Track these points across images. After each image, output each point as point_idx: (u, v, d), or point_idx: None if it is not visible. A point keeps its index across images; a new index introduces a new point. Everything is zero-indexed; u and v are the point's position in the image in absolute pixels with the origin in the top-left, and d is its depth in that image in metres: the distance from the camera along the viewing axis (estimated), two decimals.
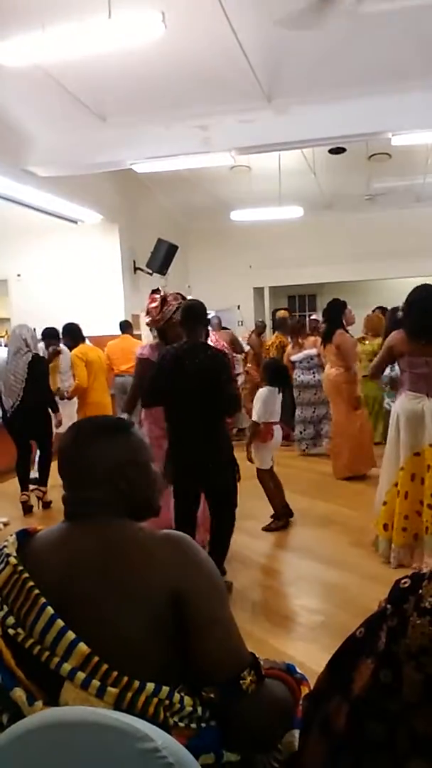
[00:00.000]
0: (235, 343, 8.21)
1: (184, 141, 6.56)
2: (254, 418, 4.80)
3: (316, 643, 3.26)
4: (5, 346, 8.03)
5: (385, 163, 8.85)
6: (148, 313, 4.34)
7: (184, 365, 3.58)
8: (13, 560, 1.33)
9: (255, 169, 9.02)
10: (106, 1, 4.10)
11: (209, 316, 4.33)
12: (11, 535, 1.42)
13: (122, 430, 1.48)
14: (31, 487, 5.91)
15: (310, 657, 2.80)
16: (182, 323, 3.74)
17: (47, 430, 5.87)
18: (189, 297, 4.58)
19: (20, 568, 1.31)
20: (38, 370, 5.69)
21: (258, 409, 4.77)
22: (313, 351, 7.52)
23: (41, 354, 6.10)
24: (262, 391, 4.84)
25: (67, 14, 4.31)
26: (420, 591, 1.10)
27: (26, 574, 1.29)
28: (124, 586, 1.28)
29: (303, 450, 7.64)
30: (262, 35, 5.21)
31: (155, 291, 4.40)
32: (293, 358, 7.66)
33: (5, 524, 5.32)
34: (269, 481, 4.99)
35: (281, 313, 9.72)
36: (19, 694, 1.19)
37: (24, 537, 1.42)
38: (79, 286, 9.21)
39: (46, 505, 5.87)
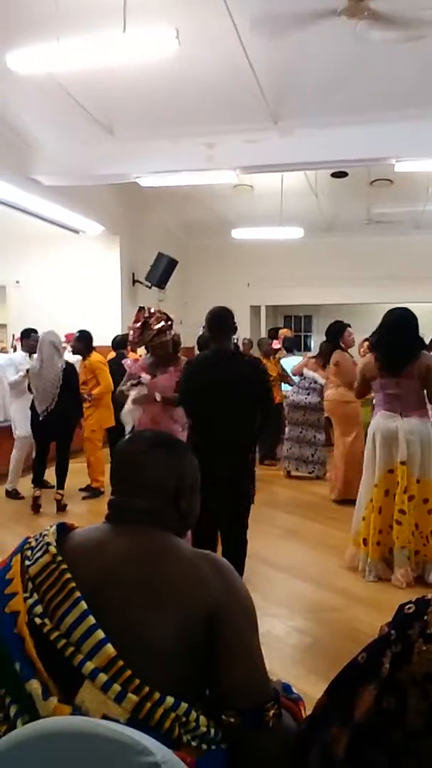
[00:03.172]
0: None
1: (189, 157, 6.61)
2: None
3: (303, 664, 3.24)
4: (2, 351, 8.07)
5: (387, 188, 8.93)
6: (131, 330, 4.40)
7: (216, 373, 3.51)
8: (53, 549, 1.31)
9: (257, 188, 9.09)
10: (121, 16, 4.14)
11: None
12: (51, 526, 1.41)
13: (187, 451, 1.53)
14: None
15: (299, 679, 2.77)
16: (209, 330, 3.68)
17: (70, 436, 6.09)
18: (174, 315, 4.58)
19: (59, 558, 1.29)
20: (71, 377, 5.95)
21: None
22: (321, 380, 7.46)
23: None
24: None
25: (82, 26, 4.36)
26: (425, 617, 1.09)
27: (64, 565, 1.27)
28: (161, 596, 1.27)
29: (286, 468, 7.59)
30: (273, 57, 5.28)
31: (140, 309, 4.42)
32: (306, 371, 7.57)
33: None
34: None
35: (283, 332, 9.71)
36: (35, 686, 1.16)
37: (63, 530, 1.41)
38: (77, 295, 9.21)
39: (62, 507, 5.98)
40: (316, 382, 7.48)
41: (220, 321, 3.65)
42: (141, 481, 1.43)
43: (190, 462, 1.52)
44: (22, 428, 6.40)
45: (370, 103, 5.80)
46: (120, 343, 7.41)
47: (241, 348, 10.04)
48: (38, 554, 1.32)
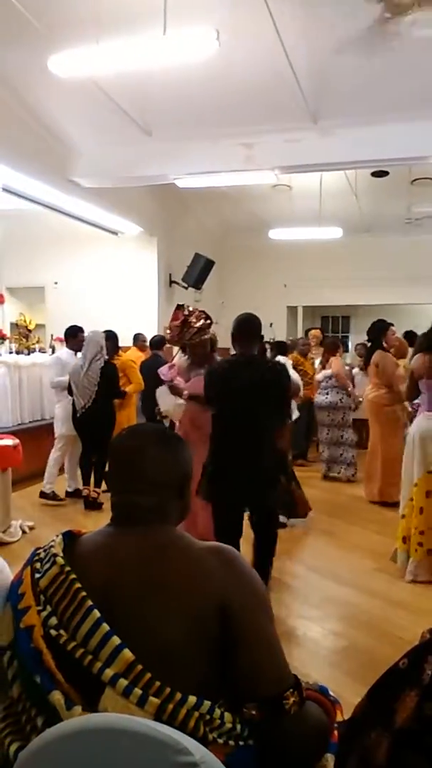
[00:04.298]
0: None
1: (228, 158, 6.60)
2: None
3: (339, 667, 3.21)
4: (40, 351, 8.18)
5: (428, 187, 8.80)
6: (169, 328, 4.39)
7: (236, 378, 3.54)
8: (60, 560, 1.31)
9: (296, 188, 9.04)
10: (161, 18, 4.15)
11: None
12: (57, 535, 1.40)
13: (181, 441, 1.51)
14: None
15: (335, 681, 2.75)
16: (236, 337, 3.69)
17: (109, 432, 6.13)
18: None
19: (67, 568, 1.29)
20: (110, 374, 6.06)
21: None
22: (330, 372, 7.46)
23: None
24: None
25: (122, 29, 4.39)
26: None
27: (73, 575, 1.27)
28: (171, 594, 1.27)
29: (324, 471, 7.57)
30: (312, 57, 5.24)
31: (179, 307, 4.41)
32: (318, 376, 7.63)
33: (31, 528, 5.35)
34: None
35: (314, 333, 9.68)
36: (57, 697, 1.17)
37: (69, 538, 1.41)
38: (114, 296, 9.28)
39: (98, 506, 6.06)
40: (330, 377, 7.44)
41: (244, 327, 3.68)
42: (143, 477, 1.40)
43: (187, 450, 1.50)
44: (62, 427, 6.45)
45: (410, 102, 5.72)
46: (156, 344, 7.46)
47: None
48: (47, 566, 1.32)
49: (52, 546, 1.37)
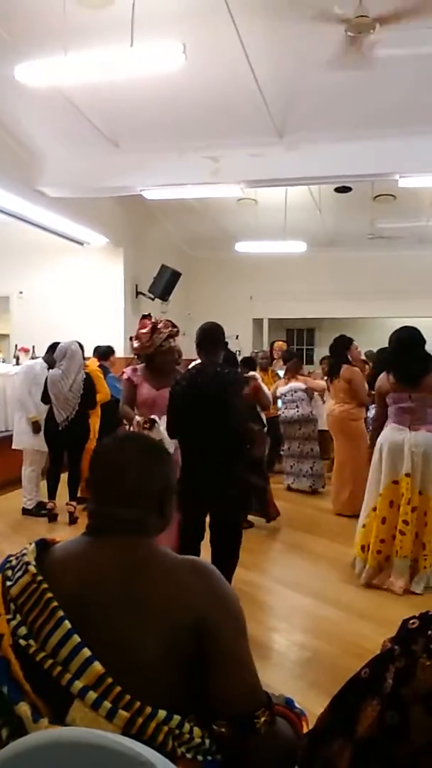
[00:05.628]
0: None
1: (194, 171, 6.64)
2: None
3: (304, 679, 3.22)
4: (3, 362, 8.08)
5: (390, 204, 8.96)
6: (137, 338, 4.35)
7: (200, 388, 3.55)
8: (32, 569, 1.29)
9: (261, 202, 9.12)
10: (128, 30, 4.17)
11: None
12: (30, 544, 1.38)
13: (166, 453, 1.50)
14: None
15: (300, 693, 2.75)
16: (199, 345, 3.70)
17: (84, 445, 6.09)
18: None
19: (39, 577, 1.27)
20: (89, 386, 6.01)
21: None
22: (300, 384, 7.41)
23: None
24: None
25: (90, 40, 4.40)
26: (430, 633, 1.09)
27: (45, 585, 1.25)
28: (146, 608, 1.25)
29: (288, 484, 7.54)
30: (278, 72, 5.32)
31: (146, 316, 4.44)
32: (280, 390, 7.49)
33: None
34: None
35: (278, 344, 9.72)
36: (24, 708, 1.15)
37: (43, 547, 1.38)
38: (80, 307, 9.22)
39: (74, 520, 5.91)
40: (296, 391, 7.41)
41: (208, 335, 3.72)
42: (126, 489, 1.39)
43: (170, 463, 1.49)
44: (27, 440, 6.31)
45: (374, 119, 5.83)
46: (102, 354, 7.42)
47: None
48: (18, 574, 1.30)
49: (24, 554, 1.35)
